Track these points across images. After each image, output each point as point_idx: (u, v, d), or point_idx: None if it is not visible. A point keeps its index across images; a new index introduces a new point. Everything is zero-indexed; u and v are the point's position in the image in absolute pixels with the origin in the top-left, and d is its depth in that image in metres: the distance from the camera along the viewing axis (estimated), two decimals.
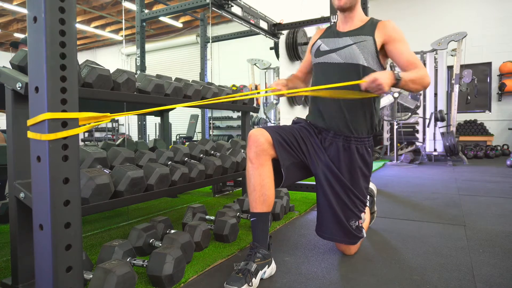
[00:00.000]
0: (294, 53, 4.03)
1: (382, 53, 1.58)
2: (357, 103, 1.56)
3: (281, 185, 1.50)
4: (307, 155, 1.55)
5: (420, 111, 6.03)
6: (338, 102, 1.57)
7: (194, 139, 7.99)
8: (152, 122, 7.72)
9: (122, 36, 10.96)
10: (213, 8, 2.92)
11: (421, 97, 5.92)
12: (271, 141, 1.45)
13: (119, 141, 2.62)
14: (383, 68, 1.61)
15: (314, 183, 1.60)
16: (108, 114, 1.00)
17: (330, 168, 1.53)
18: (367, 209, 1.78)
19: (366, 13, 2.75)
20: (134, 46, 3.85)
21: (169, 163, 1.79)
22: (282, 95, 1.64)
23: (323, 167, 1.54)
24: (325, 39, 1.67)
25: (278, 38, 3.93)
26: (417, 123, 6.23)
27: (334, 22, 2.65)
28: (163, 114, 2.96)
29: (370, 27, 1.58)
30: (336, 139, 1.57)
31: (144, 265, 1.31)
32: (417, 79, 1.48)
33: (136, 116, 3.61)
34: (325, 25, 4.00)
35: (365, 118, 1.58)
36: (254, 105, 2.65)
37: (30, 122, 0.91)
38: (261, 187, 1.41)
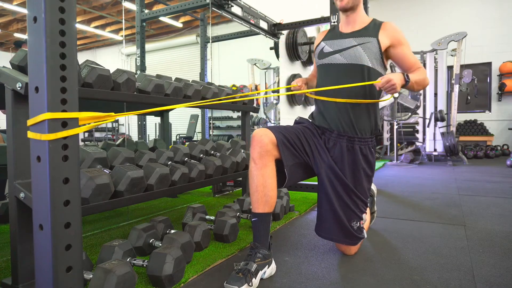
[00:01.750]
0: (294, 53, 4.03)
1: (385, 54, 1.61)
2: (362, 103, 1.57)
3: (284, 185, 1.51)
4: (310, 156, 1.55)
5: (420, 111, 6.03)
6: (343, 102, 1.58)
7: (194, 139, 7.98)
8: (152, 122, 7.71)
9: (122, 36, 10.96)
10: (213, 8, 2.91)
11: (421, 97, 5.92)
12: (275, 142, 1.45)
13: (119, 141, 2.62)
14: (385, 69, 1.64)
15: (314, 183, 1.60)
16: (112, 113, 0.99)
17: (333, 169, 1.54)
18: (367, 209, 1.78)
19: (366, 13, 2.75)
20: (134, 46, 3.85)
21: (169, 163, 1.79)
22: (304, 93, 1.69)
23: (326, 168, 1.54)
24: (328, 40, 1.68)
25: (278, 38, 3.93)
26: (417, 123, 6.23)
27: (334, 22, 2.64)
28: (163, 114, 2.96)
29: (373, 28, 1.60)
30: (340, 140, 1.57)
31: (144, 265, 1.31)
32: (420, 81, 1.58)
33: (136, 116, 3.61)
34: (325, 26, 4.00)
35: (369, 118, 1.60)
36: (254, 105, 2.66)
37: (30, 122, 0.91)
38: (264, 188, 1.41)
